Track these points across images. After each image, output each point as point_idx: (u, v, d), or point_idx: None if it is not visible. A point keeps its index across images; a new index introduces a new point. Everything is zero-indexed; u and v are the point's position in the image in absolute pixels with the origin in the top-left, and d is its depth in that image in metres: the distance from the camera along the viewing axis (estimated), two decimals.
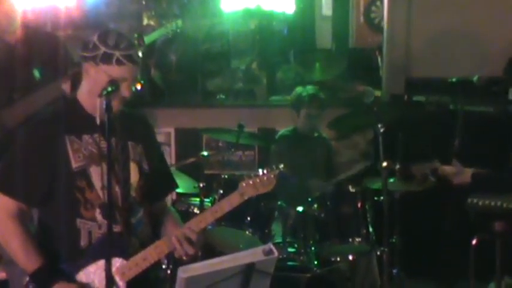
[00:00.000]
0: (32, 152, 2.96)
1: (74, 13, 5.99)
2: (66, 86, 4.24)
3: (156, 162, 3.18)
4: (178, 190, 4.59)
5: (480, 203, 4.56)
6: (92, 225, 2.94)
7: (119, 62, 2.87)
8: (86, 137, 2.98)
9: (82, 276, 2.92)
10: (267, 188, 3.03)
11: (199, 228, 2.97)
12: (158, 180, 3.17)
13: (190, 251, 2.94)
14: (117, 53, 2.87)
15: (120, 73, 2.88)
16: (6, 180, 3.00)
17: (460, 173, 3.88)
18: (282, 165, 3.05)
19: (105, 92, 2.81)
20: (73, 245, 2.95)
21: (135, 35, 4.81)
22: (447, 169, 3.92)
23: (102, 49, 2.88)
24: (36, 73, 4.49)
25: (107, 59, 2.87)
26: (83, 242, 2.94)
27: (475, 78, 5.09)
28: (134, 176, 3.04)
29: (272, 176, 3.02)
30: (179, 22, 5.65)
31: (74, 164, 2.94)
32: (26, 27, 4.58)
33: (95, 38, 2.91)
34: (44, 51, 4.45)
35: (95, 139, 2.97)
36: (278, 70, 7.66)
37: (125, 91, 2.90)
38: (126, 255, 2.92)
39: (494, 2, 5.86)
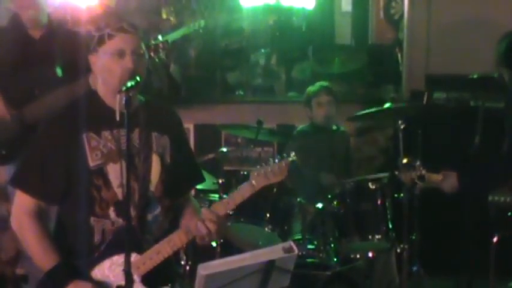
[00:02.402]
0: (49, 149, 2.96)
1: (94, 9, 5.99)
2: (91, 80, 4.25)
3: (182, 155, 3.14)
4: (198, 186, 4.59)
5: (502, 200, 4.53)
6: (106, 222, 2.94)
7: (110, 36, 2.89)
8: (105, 134, 2.96)
9: (96, 272, 2.92)
10: (279, 178, 2.96)
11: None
12: (182, 173, 3.12)
13: (212, 227, 2.88)
14: (107, 30, 2.89)
15: (115, 46, 2.88)
16: (24, 178, 3.02)
17: (446, 179, 3.84)
18: (293, 154, 2.98)
19: (124, 88, 2.78)
20: (87, 242, 2.95)
21: (160, 39, 4.80)
22: (433, 176, 3.89)
23: (96, 35, 2.91)
24: (59, 70, 4.51)
25: (101, 40, 2.90)
26: (97, 239, 2.94)
27: (496, 75, 5.04)
28: (155, 169, 3.02)
29: (284, 164, 2.95)
30: (202, 22, 5.65)
31: (91, 163, 2.93)
32: (51, 24, 4.61)
33: (92, 30, 2.95)
34: (67, 49, 4.46)
35: (114, 135, 2.95)
36: (295, 66, 7.65)
37: (127, 63, 2.88)
38: (140, 249, 2.91)
39: None
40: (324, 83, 5.40)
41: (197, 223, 2.90)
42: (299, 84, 7.32)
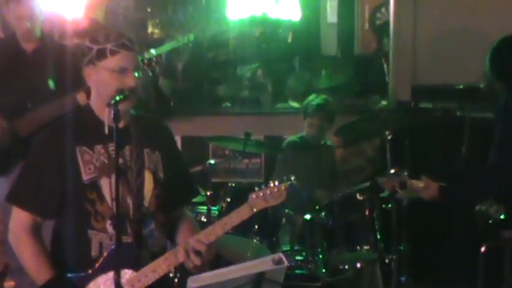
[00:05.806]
0: (43, 165, 2.98)
1: (80, 22, 6.00)
2: (80, 97, 4.25)
3: (174, 169, 3.15)
4: None
5: (489, 210, 4.53)
6: (103, 236, 2.95)
7: (112, 52, 2.89)
8: (98, 148, 2.97)
9: (92, 287, 2.91)
10: (277, 201, 2.98)
11: (208, 241, 2.94)
12: (175, 189, 3.13)
13: (197, 262, 2.91)
14: (108, 46, 2.89)
15: (117, 63, 2.89)
16: (20, 193, 3.03)
17: (427, 188, 3.84)
18: (293, 178, 3.01)
19: (113, 101, 2.81)
20: (84, 255, 2.95)
21: (153, 53, 4.82)
22: (415, 183, 3.89)
23: (95, 48, 2.91)
24: (51, 83, 4.51)
25: (101, 54, 2.90)
26: (94, 252, 2.95)
27: (482, 85, 5.08)
28: (148, 185, 3.03)
29: (283, 188, 2.97)
30: (192, 36, 5.66)
31: (85, 177, 2.94)
32: (44, 38, 4.62)
33: (87, 42, 2.94)
34: (59, 63, 4.47)
35: (108, 149, 2.96)
36: (284, 77, 7.63)
37: (129, 81, 2.90)
38: (136, 266, 2.91)
39: (503, 8, 5.85)
40: (324, 102, 5.30)
41: (183, 253, 2.90)
42: (287, 95, 7.32)
